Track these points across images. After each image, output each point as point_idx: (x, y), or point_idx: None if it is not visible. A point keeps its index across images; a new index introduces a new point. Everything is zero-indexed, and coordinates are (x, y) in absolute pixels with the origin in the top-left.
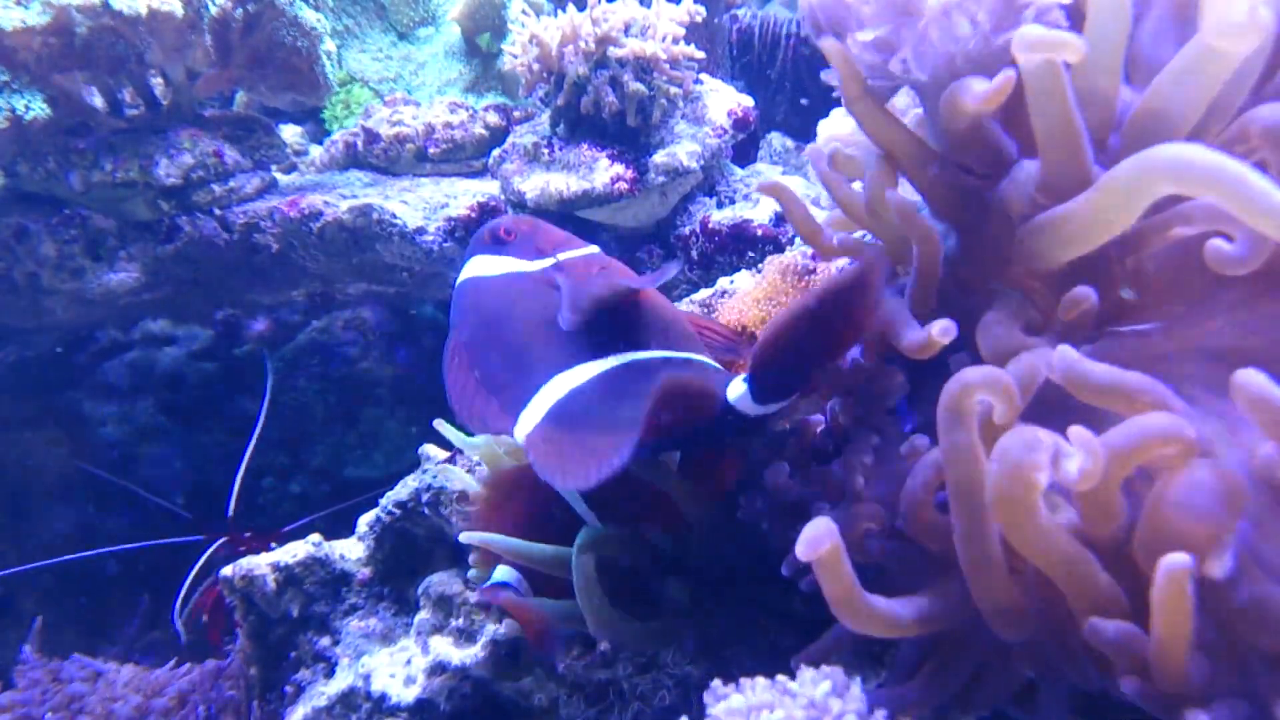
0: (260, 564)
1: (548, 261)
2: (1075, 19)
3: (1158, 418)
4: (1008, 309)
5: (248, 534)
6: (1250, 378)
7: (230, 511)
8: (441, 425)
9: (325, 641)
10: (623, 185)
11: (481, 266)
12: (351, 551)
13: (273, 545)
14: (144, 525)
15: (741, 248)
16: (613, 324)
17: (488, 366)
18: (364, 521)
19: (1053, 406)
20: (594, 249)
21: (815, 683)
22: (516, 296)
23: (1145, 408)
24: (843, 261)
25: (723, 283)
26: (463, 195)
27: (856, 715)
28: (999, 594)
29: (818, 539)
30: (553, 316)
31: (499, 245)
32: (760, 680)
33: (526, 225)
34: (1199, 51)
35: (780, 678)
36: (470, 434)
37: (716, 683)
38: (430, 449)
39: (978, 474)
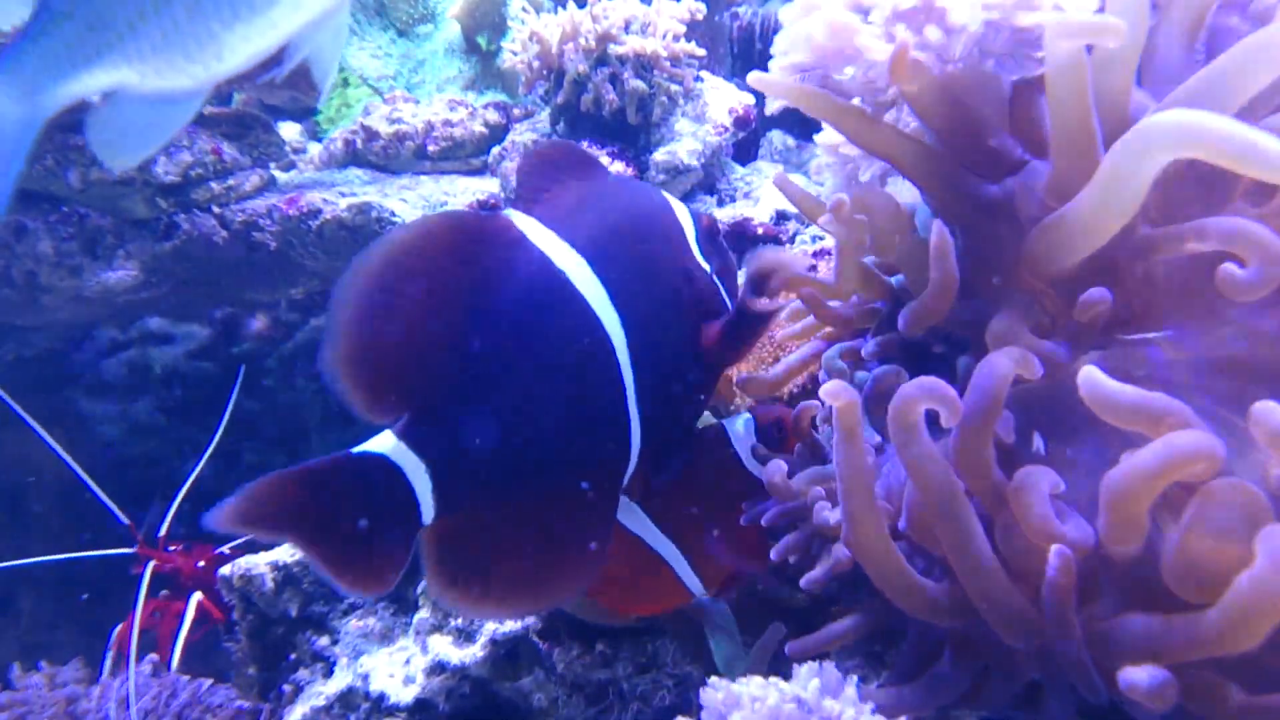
0: (259, 563)
1: (704, 267)
2: None
3: (1186, 437)
4: (1015, 313)
5: (172, 548)
6: (1268, 411)
7: (162, 529)
8: None
9: (324, 641)
10: None
11: (683, 215)
12: None
13: (199, 564)
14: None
15: (742, 246)
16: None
17: (594, 211)
18: None
19: (1050, 410)
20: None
21: (808, 679)
22: (662, 246)
23: (1170, 430)
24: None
25: None
26: (462, 193)
27: (854, 713)
28: (1002, 601)
29: (837, 391)
30: (667, 286)
31: (701, 228)
32: (755, 678)
33: (729, 259)
34: (1246, 52)
35: (774, 679)
36: None
37: (714, 679)
38: None
39: (948, 480)
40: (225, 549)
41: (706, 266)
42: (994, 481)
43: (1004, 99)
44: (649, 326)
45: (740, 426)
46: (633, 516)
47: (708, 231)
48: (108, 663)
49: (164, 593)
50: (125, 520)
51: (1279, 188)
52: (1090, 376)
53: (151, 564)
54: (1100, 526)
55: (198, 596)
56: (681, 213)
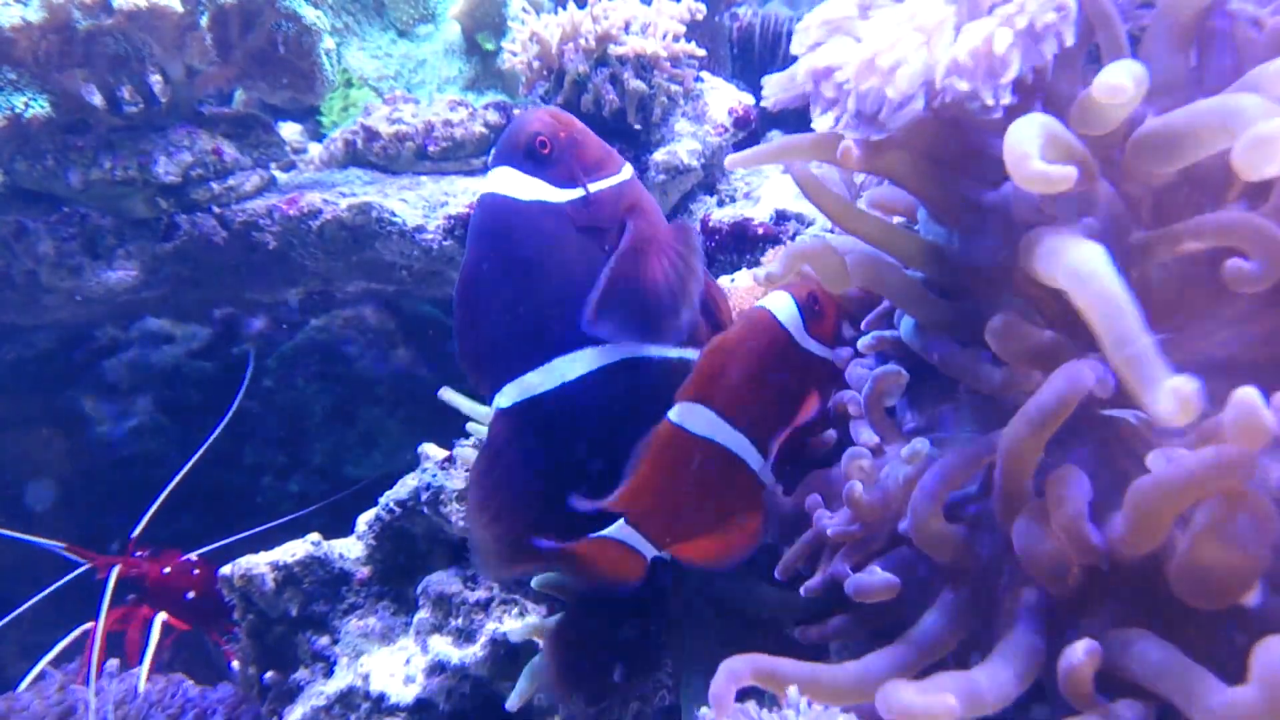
0: (259, 563)
1: (577, 193)
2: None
3: (1234, 452)
4: (1013, 314)
5: (139, 554)
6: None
7: (135, 532)
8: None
9: (324, 641)
10: None
11: (510, 184)
12: (350, 550)
13: (165, 570)
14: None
15: (742, 246)
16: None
17: (495, 311)
18: (363, 520)
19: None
20: (626, 174)
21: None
22: (541, 241)
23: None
24: None
25: (723, 281)
26: (462, 193)
27: None
28: None
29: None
30: (571, 274)
31: (533, 162)
32: (750, 705)
33: (564, 135)
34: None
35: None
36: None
37: (704, 711)
38: (429, 448)
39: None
40: (192, 555)
41: (575, 193)
42: (1026, 486)
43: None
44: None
45: (786, 305)
46: (698, 417)
47: (535, 154)
48: (46, 659)
49: (131, 597)
50: (60, 546)
51: (1274, 188)
52: (1247, 399)
53: (116, 569)
54: (1119, 529)
55: (162, 616)
56: (521, 186)
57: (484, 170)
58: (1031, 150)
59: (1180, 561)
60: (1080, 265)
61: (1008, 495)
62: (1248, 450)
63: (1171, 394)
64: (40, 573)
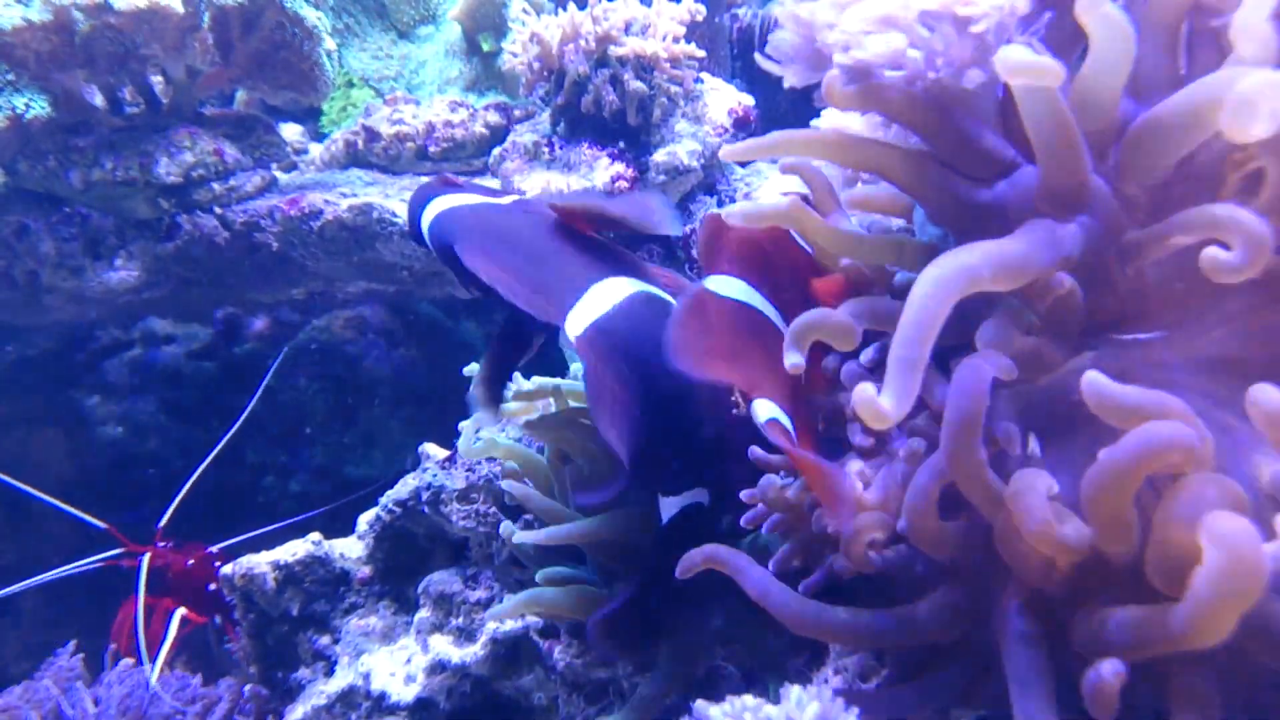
0: (260, 562)
1: (511, 197)
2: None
3: (1162, 427)
4: (1005, 315)
5: (163, 544)
6: (1266, 394)
7: (161, 522)
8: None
9: (325, 640)
10: (623, 184)
11: (453, 200)
12: (351, 550)
13: (189, 563)
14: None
15: None
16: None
17: (515, 268)
18: (364, 520)
19: (1044, 411)
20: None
21: (802, 706)
22: (513, 218)
23: None
24: None
25: None
26: None
27: None
28: None
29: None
30: (557, 236)
31: (454, 186)
32: (747, 698)
33: (461, 179)
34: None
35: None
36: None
37: (700, 703)
38: (430, 448)
39: None
40: (214, 548)
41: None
42: (989, 485)
43: (994, 99)
44: None
45: None
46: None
47: (451, 180)
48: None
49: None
50: (103, 525)
51: (1265, 183)
52: (1094, 380)
53: (148, 556)
54: (1090, 527)
55: (181, 611)
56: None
57: (485, 171)
58: (1020, 54)
59: (1150, 551)
60: (932, 273)
61: (976, 502)
62: (1175, 424)
63: (891, 400)
64: (46, 569)
